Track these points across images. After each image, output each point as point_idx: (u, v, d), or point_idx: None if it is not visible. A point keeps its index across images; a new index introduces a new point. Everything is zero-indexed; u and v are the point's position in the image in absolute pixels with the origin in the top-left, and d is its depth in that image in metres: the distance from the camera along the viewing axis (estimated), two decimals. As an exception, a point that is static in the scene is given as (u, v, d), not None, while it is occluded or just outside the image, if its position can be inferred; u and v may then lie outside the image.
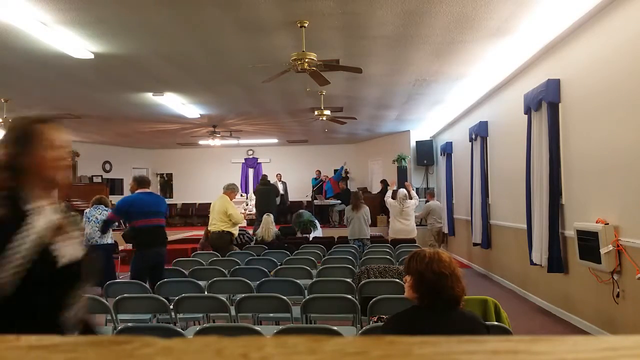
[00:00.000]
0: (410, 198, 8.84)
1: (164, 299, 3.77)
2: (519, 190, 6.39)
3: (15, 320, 1.30)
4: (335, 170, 15.14)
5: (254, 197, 13.02)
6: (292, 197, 15.52)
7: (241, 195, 14.62)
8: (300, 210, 11.59)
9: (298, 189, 15.67)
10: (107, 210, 7.02)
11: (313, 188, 14.74)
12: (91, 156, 14.29)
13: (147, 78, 7.23)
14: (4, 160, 1.43)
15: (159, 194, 4.82)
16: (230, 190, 7.41)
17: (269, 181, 12.48)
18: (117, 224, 7.12)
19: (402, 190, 8.92)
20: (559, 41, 5.38)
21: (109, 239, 7.09)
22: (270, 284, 4.34)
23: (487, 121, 8.23)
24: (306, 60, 5.09)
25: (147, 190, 5.39)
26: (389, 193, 9.05)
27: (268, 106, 9.64)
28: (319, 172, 15.26)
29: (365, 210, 8.30)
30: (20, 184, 1.41)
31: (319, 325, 3.79)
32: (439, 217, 10.47)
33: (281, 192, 14.39)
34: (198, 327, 3.40)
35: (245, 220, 10.06)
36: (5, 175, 1.41)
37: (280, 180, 15.07)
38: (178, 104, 9.08)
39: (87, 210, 7.25)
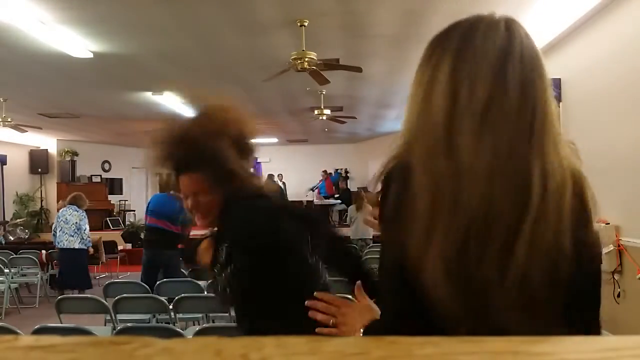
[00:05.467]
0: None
1: (163, 299, 3.77)
2: (518, 189, 6.37)
3: None
4: (336, 170, 15.27)
5: None
6: (291, 198, 15.48)
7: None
8: None
9: (298, 188, 15.66)
10: (77, 212, 6.83)
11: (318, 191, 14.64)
12: (90, 156, 14.25)
13: (146, 77, 7.23)
14: None
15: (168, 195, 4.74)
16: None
17: None
18: (86, 227, 6.84)
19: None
20: (559, 41, 5.37)
21: (76, 243, 6.71)
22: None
23: (487, 121, 8.22)
24: (306, 59, 5.09)
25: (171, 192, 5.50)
26: None
27: (268, 105, 9.63)
28: (325, 172, 15.05)
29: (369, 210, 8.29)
30: None
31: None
32: None
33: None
34: (198, 327, 3.40)
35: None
36: None
37: (280, 181, 15.06)
38: (178, 103, 9.07)
39: (61, 209, 7.00)
